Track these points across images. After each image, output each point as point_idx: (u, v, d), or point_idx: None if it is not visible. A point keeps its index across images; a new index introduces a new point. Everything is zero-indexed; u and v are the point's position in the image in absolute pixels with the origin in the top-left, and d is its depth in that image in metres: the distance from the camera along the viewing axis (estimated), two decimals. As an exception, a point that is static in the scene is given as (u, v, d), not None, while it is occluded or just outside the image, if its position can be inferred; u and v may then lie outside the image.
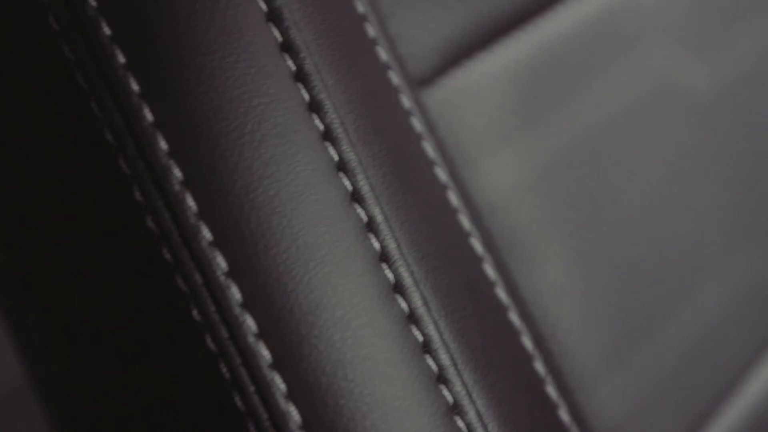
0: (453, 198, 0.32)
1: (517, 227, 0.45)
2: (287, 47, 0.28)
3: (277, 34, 0.28)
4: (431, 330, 0.28)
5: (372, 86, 0.30)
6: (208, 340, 0.27)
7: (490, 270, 0.32)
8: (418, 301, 0.28)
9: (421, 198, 0.30)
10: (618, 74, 0.50)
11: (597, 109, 0.49)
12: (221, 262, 0.26)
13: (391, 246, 0.28)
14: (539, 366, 0.32)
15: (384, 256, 0.28)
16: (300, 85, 0.28)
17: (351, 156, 0.28)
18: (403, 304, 0.28)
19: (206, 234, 0.26)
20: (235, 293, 0.26)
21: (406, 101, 0.32)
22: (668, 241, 0.51)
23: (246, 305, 0.26)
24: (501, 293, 0.32)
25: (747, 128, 0.54)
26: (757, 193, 0.54)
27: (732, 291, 0.53)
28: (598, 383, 0.47)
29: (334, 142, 0.28)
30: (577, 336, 0.46)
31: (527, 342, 0.32)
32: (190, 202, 0.26)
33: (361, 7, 0.32)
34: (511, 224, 0.45)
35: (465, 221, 0.32)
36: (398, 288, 0.28)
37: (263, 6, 0.28)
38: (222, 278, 0.26)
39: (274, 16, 0.28)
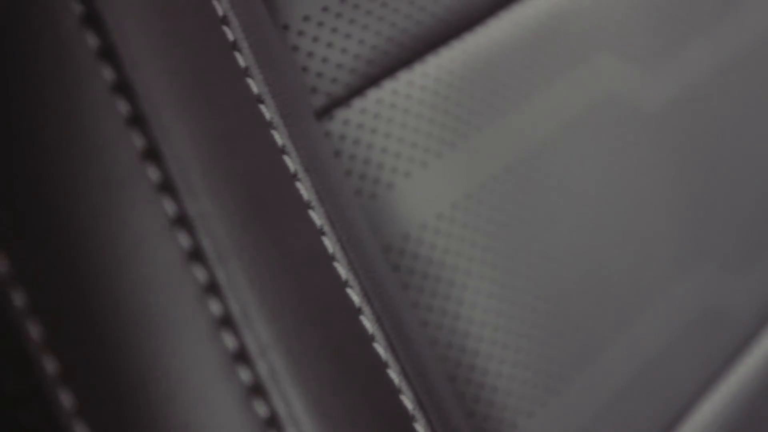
0: (329, 244, 0.29)
1: (437, 252, 0.42)
2: (121, 87, 0.24)
3: (108, 72, 0.24)
4: (278, 403, 0.24)
5: (234, 125, 0.27)
6: (22, 416, 0.23)
7: (368, 323, 0.29)
8: (263, 371, 0.25)
9: (284, 250, 0.27)
10: (557, 89, 0.46)
11: (531, 126, 0.45)
12: (34, 332, 0.23)
13: (235, 309, 0.25)
14: (420, 427, 0.29)
15: (225, 322, 0.24)
16: (134, 130, 0.24)
17: (192, 209, 0.25)
18: (246, 375, 0.24)
19: (17, 300, 0.23)
20: (50, 366, 0.23)
21: (279, 137, 0.29)
22: (608, 265, 0.47)
23: (62, 380, 0.23)
24: (380, 349, 0.29)
25: (694, 146, 0.51)
26: (705, 213, 0.51)
27: (679, 317, 0.49)
28: (525, 417, 0.44)
29: (173, 194, 0.24)
30: (500, 365, 0.43)
31: (407, 402, 0.29)
32: None
33: (231, 35, 0.29)
34: (430, 249, 0.42)
35: (342, 269, 0.29)
36: (241, 357, 0.25)
37: (93, 42, 0.24)
38: (35, 350, 0.23)
39: (106, 53, 0.24)
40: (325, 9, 0.39)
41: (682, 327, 0.49)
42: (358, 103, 0.40)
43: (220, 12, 0.28)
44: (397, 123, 0.41)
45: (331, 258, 0.29)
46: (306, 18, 0.39)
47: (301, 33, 0.39)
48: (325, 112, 0.40)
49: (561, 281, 0.45)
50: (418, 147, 0.41)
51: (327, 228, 0.29)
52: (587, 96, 0.47)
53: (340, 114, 0.40)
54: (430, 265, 0.41)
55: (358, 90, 0.41)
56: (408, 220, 0.41)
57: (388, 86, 0.41)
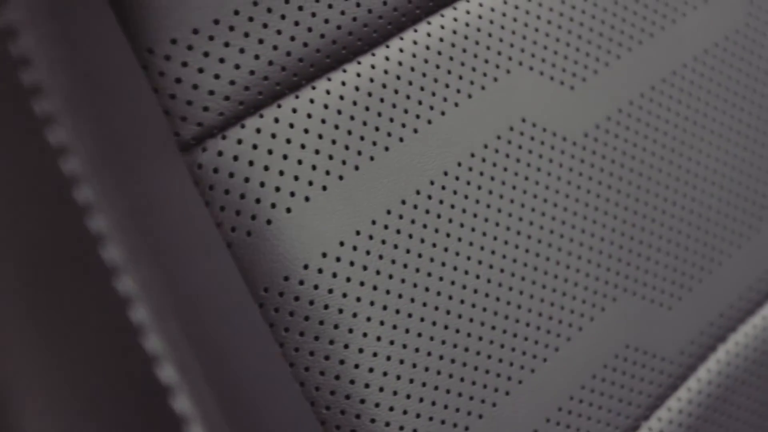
0: (141, 313, 0.26)
1: (321, 293, 0.38)
2: None
3: None
4: None
5: (15, 187, 0.24)
6: None
7: (181, 402, 0.26)
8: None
9: (71, 330, 0.23)
10: (464, 113, 0.42)
11: (433, 154, 0.41)
12: None
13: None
14: None
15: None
16: None
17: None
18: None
19: None
20: None
21: (86, 194, 0.26)
22: (518, 302, 0.44)
23: None
24: (195, 430, 0.25)
25: (619, 173, 0.47)
26: (630, 245, 0.47)
27: (597, 355, 0.46)
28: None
29: None
30: (389, 413, 0.39)
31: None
32: None
33: (32, 78, 0.25)
34: (312, 290, 0.38)
35: (152, 343, 0.25)
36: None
37: None
38: None
39: None
40: (195, 31, 0.36)
41: (600, 366, 0.46)
42: (234, 133, 0.37)
43: (17, 53, 0.25)
44: (277, 155, 0.37)
45: (139, 331, 0.25)
46: (173, 41, 0.35)
47: (167, 58, 0.35)
48: (197, 142, 0.37)
49: (464, 322, 0.41)
50: (301, 180, 0.38)
51: (139, 296, 0.25)
52: (500, 120, 0.43)
53: (214, 145, 0.37)
54: (313, 308, 0.38)
55: (234, 119, 0.37)
56: (288, 259, 0.38)
57: (269, 114, 0.37)
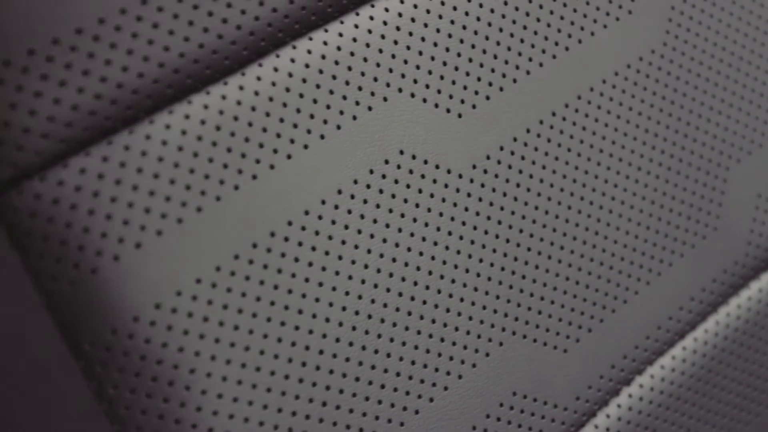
0: None
1: (153, 347, 0.35)
2: None
3: None
4: None
5: None
6: None
7: None
8: None
9: None
10: (332, 145, 0.39)
11: (291, 192, 0.38)
12: None
13: None
14: None
15: None
16: None
17: None
18: None
19: None
20: None
21: None
22: (387, 350, 0.40)
23: None
24: None
25: (508, 209, 0.43)
26: (520, 285, 0.44)
27: (478, 406, 0.43)
28: None
29: None
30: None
31: None
32: None
33: None
34: (144, 344, 0.35)
35: None
36: None
37: None
38: None
39: None
40: (6, 63, 0.32)
41: (481, 416, 0.42)
42: (54, 174, 0.33)
43: None
44: (105, 197, 0.34)
45: None
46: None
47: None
48: (11, 185, 0.33)
49: (322, 375, 0.38)
50: (132, 224, 0.34)
51: None
52: (373, 153, 0.40)
53: (30, 187, 0.33)
54: (144, 363, 0.35)
55: (54, 158, 0.33)
56: (116, 311, 0.34)
57: (97, 153, 0.34)
